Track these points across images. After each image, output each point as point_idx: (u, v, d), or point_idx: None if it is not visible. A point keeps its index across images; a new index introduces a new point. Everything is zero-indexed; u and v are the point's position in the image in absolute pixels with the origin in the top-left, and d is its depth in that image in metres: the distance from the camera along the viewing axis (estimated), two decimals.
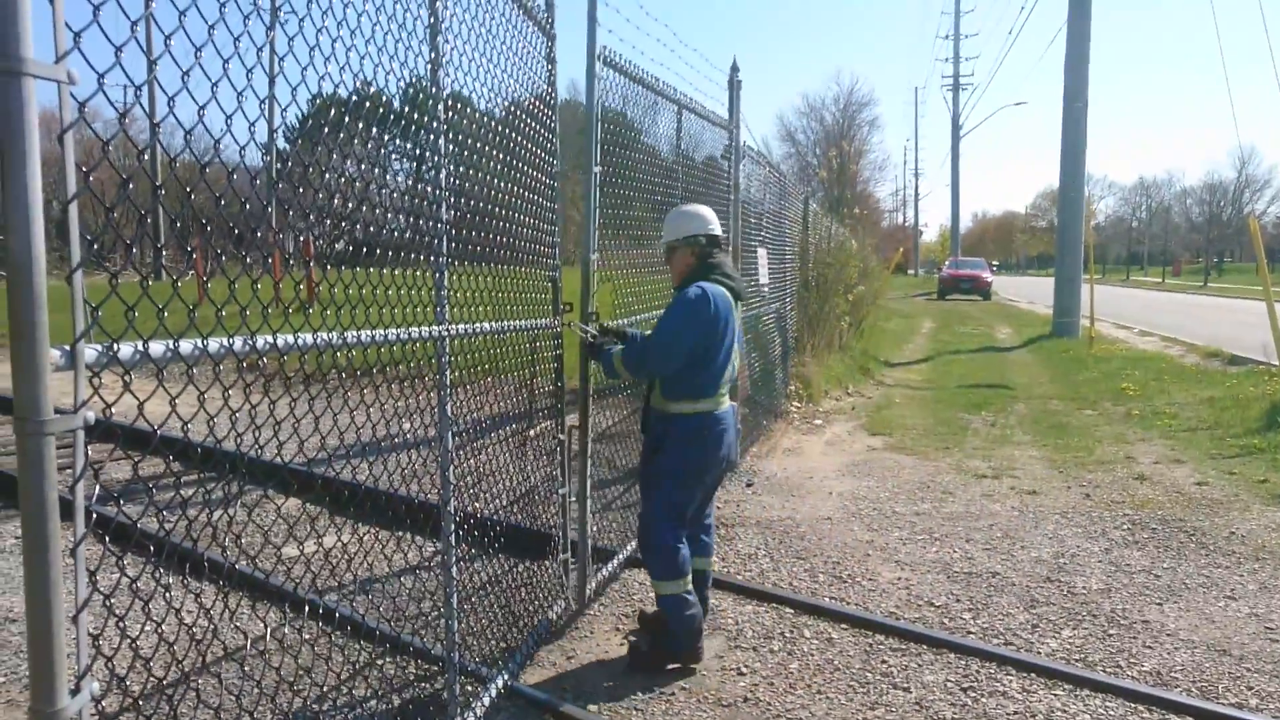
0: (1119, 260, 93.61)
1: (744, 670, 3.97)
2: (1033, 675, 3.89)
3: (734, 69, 7.15)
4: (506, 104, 3.36)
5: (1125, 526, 5.93)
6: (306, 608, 3.48)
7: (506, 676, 3.60)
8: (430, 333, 2.72)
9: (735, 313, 4.06)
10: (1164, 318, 24.93)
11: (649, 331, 4.38)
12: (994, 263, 73.78)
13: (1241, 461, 7.57)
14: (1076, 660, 4.05)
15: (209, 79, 1.97)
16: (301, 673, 3.42)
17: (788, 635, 4.33)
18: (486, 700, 3.38)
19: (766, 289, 8.94)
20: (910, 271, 71.63)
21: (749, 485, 7.09)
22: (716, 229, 4.15)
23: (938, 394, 11.94)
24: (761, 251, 8.57)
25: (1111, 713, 3.58)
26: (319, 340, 2.17)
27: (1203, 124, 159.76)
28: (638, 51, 4.76)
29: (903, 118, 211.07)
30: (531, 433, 4.22)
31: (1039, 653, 4.12)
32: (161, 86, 1.89)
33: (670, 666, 3.94)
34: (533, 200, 3.74)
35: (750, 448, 8.23)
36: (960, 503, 6.56)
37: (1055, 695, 3.72)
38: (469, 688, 3.44)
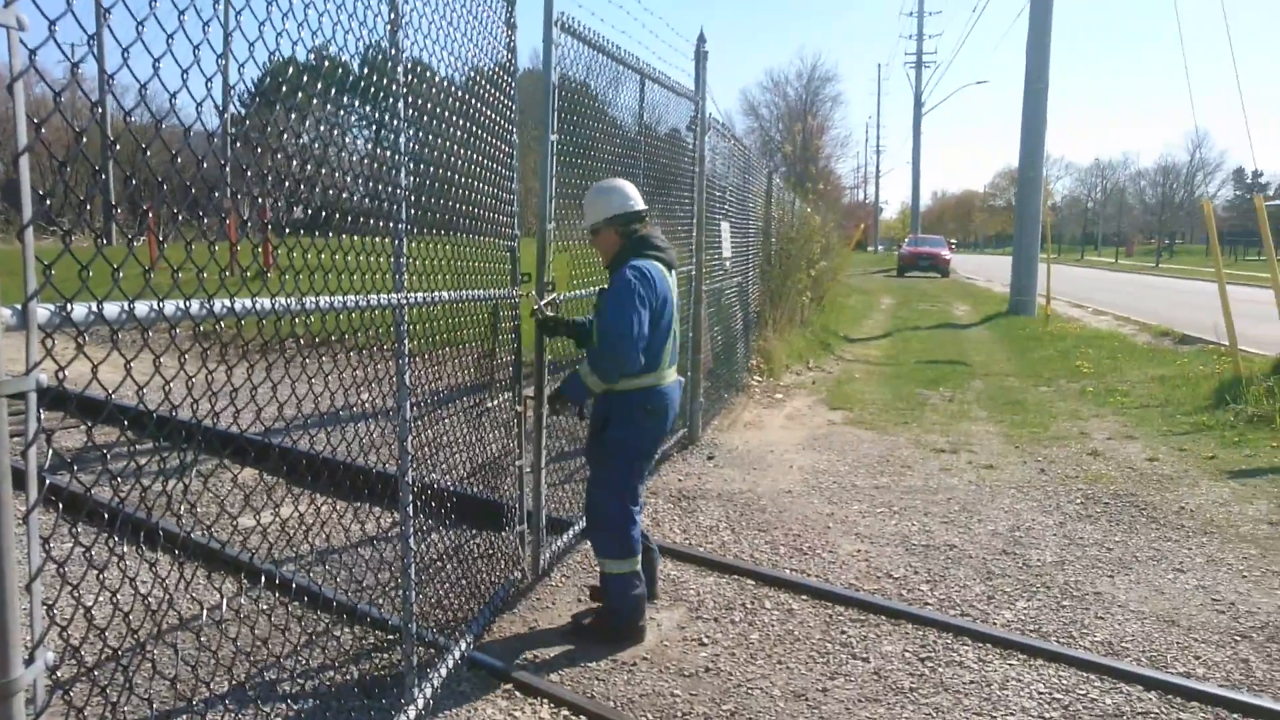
0: (1074, 240, 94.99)
1: (705, 641, 3.99)
2: (988, 645, 3.95)
3: (700, 39, 7.10)
4: (467, 69, 3.29)
5: (1079, 501, 6.03)
6: (263, 578, 3.44)
7: (464, 646, 3.58)
8: (389, 300, 2.67)
9: (670, 283, 4.02)
10: (1118, 297, 25.34)
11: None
12: (953, 241, 74.39)
13: (1191, 438, 7.73)
14: (1031, 631, 4.12)
15: (164, 30, 1.90)
16: (258, 643, 3.37)
17: (749, 606, 4.36)
18: (444, 670, 3.36)
19: (729, 263, 8.94)
20: (871, 248, 72.09)
21: (710, 458, 7.12)
22: (638, 203, 4.05)
23: (897, 369, 12.05)
24: (725, 225, 8.56)
25: (1064, 682, 3.65)
26: (276, 305, 2.12)
27: (1158, 107, 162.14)
28: (598, 19, 4.71)
29: (865, 94, 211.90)
30: (491, 404, 4.18)
31: (995, 623, 4.19)
32: (115, 36, 1.82)
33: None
34: (492, 169, 3.68)
35: (712, 420, 8.25)
36: (919, 477, 6.64)
37: (1010, 665, 3.78)
38: (427, 658, 3.41)
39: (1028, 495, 6.16)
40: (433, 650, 3.47)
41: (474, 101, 3.41)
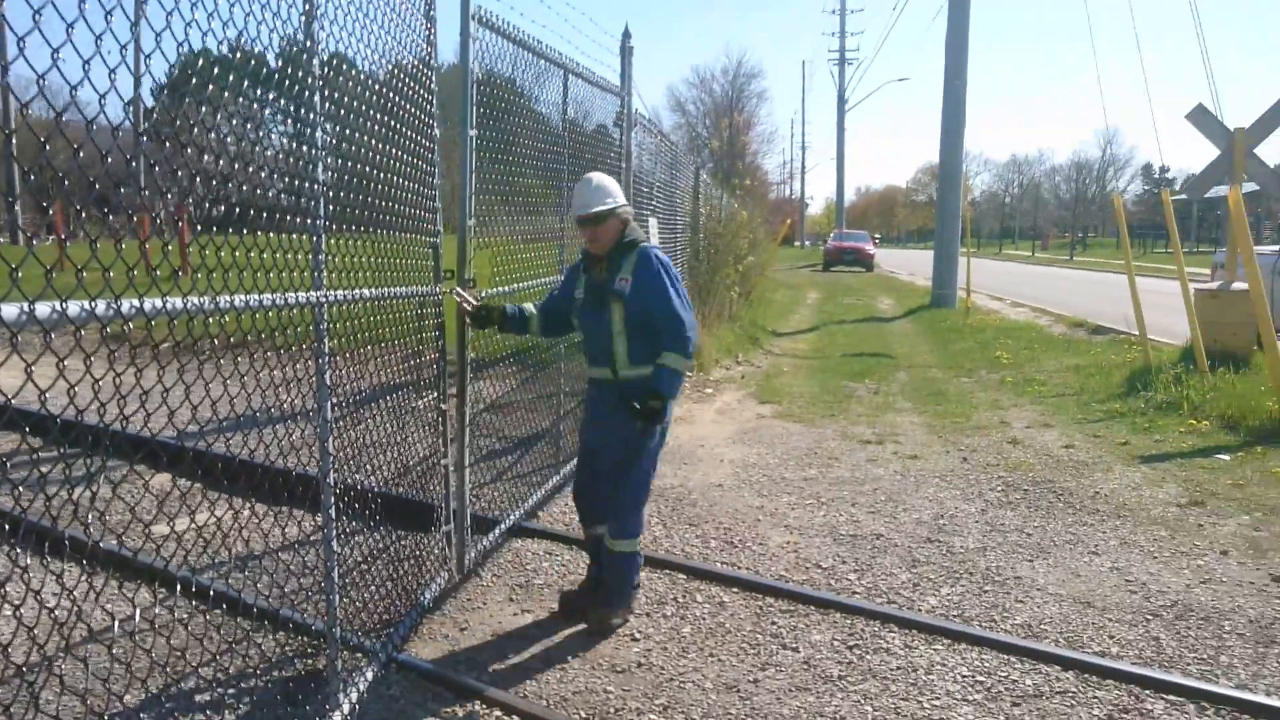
0: (993, 234, 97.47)
1: (638, 636, 3.99)
2: (914, 631, 4.02)
3: (626, 35, 7.08)
4: (385, 62, 3.23)
5: (1000, 488, 6.19)
6: (179, 586, 3.33)
7: (390, 650, 3.52)
8: (307, 298, 2.60)
9: None
10: (1035, 290, 26.10)
11: (528, 305, 4.35)
12: (877, 235, 75.65)
13: (1105, 425, 8.00)
14: (955, 616, 4.21)
15: (64, 20, 1.82)
16: (176, 654, 3.27)
17: (680, 600, 4.37)
18: (370, 674, 3.31)
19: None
20: (797, 243, 73.04)
21: None
22: None
23: (824, 363, 12.22)
24: (653, 221, 8.57)
25: (987, 664, 3.74)
26: (189, 305, 2.04)
27: (1072, 105, 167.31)
28: (518, 13, 4.67)
29: (790, 91, 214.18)
30: (419, 403, 4.12)
31: (920, 610, 4.27)
32: (10, 26, 1.74)
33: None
34: (413, 164, 3.62)
35: None
36: (846, 468, 6.74)
37: (935, 650, 3.86)
38: (353, 662, 3.35)
39: (951, 484, 6.30)
40: (359, 654, 3.40)
41: (393, 96, 3.34)
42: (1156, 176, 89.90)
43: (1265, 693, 3.52)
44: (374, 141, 3.16)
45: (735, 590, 4.49)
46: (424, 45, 3.62)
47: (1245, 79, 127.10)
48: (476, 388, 4.98)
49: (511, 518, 5.15)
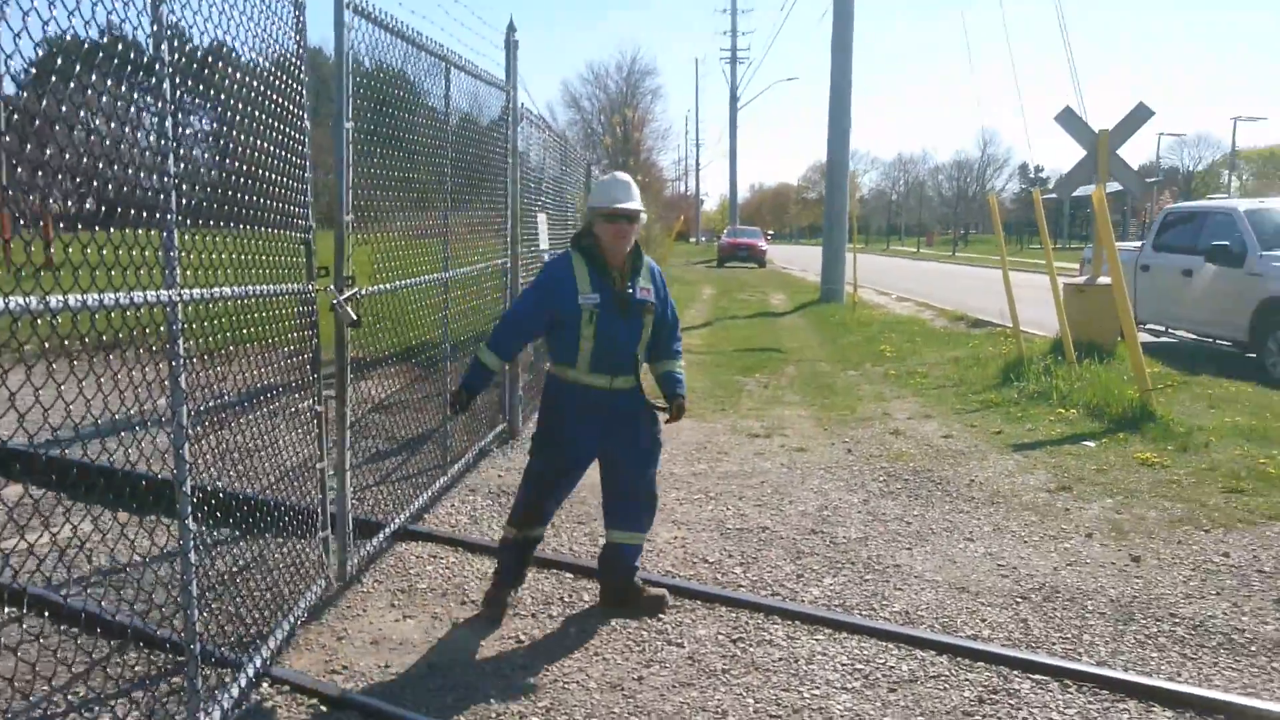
0: (881, 231, 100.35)
1: (522, 638, 3.94)
2: (797, 622, 4.08)
3: (510, 29, 6.99)
4: (248, 50, 3.09)
5: (882, 478, 6.36)
6: (25, 601, 3.13)
7: (259, 664, 3.38)
8: (159, 297, 2.46)
9: None
10: (919, 285, 26.97)
11: (485, 356, 4.23)
12: (770, 232, 76.89)
13: (981, 415, 8.31)
14: (837, 606, 4.29)
15: None
16: (29, 675, 3.07)
17: (567, 600, 4.34)
18: (235, 690, 3.17)
19: (547, 255, 8.88)
20: (693, 240, 73.73)
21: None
22: None
23: (716, 358, 12.35)
24: (541, 217, 8.50)
25: (865, 652, 3.82)
26: (12, 305, 1.91)
27: (954, 105, 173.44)
28: (397, 3, 4.55)
29: (684, 88, 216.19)
30: (294, 405, 3.97)
31: (803, 601, 4.35)
32: None
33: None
34: (281, 156, 3.48)
35: (533, 415, 8.18)
36: (734, 462, 6.81)
37: (816, 640, 3.92)
38: (219, 678, 3.20)
39: (835, 475, 6.44)
40: (226, 669, 3.26)
41: (257, 85, 3.20)
42: (1032, 176, 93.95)
43: (1123, 668, 3.69)
44: (235, 133, 3.02)
45: None
46: (292, 33, 3.48)
47: (1116, 81, 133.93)
48: (361, 388, 4.85)
49: (397, 521, 5.03)
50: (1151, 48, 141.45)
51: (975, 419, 8.15)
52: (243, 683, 3.20)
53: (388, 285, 4.93)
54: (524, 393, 7.72)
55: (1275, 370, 10.17)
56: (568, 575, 4.63)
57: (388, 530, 4.87)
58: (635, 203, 4.02)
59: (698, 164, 76.42)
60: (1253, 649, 3.87)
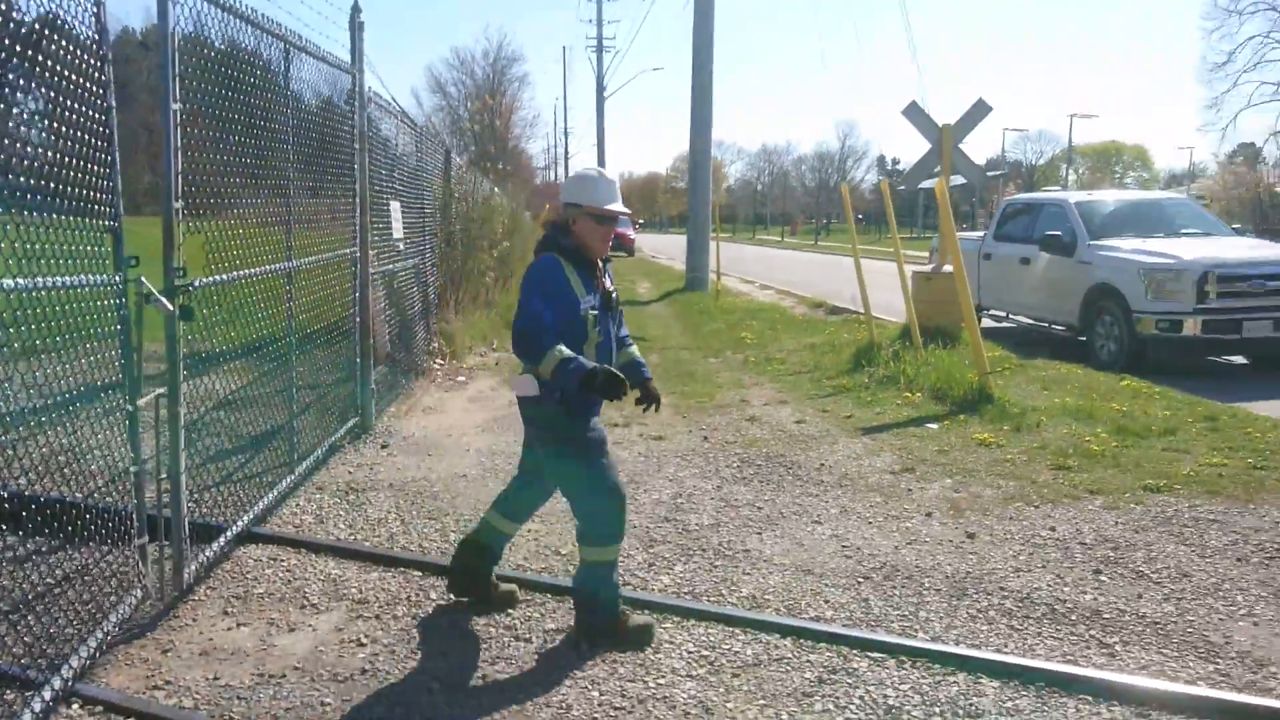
0: (748, 220, 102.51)
1: (365, 640, 3.81)
2: (646, 612, 4.08)
3: (355, 9, 6.75)
4: (39, 24, 2.84)
5: (736, 464, 6.46)
6: None
7: (61, 682, 3.15)
8: None
9: None
10: (782, 273, 27.65)
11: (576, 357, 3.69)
12: (640, 220, 77.10)
13: (833, 400, 8.55)
14: (686, 593, 4.33)
15: None
16: None
17: (415, 599, 4.23)
18: (29, 714, 2.94)
19: (402, 244, 8.65)
20: None
21: (384, 447, 6.86)
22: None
23: None
24: (395, 205, 8.26)
25: (712, 638, 3.86)
26: None
27: (815, 98, 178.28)
28: None
29: (552, 76, 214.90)
30: (105, 403, 3.72)
31: (653, 589, 4.36)
32: None
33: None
34: (78, 138, 3.22)
35: (389, 408, 7.97)
36: None
37: (664, 628, 3.93)
38: (21, 699, 2.97)
39: (691, 463, 6.50)
40: (26, 688, 3.02)
41: (46, 61, 2.95)
42: (889, 168, 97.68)
43: (955, 642, 3.85)
44: (18, 111, 2.78)
45: None
46: (89, 5, 3.22)
47: (965, 78, 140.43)
48: (201, 384, 4.59)
49: (239, 524, 4.79)
50: (997, 46, 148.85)
51: (828, 404, 8.38)
52: (37, 707, 2.97)
53: (225, 276, 4.67)
54: (377, 386, 7.51)
55: (1102, 353, 10.85)
56: (416, 574, 4.51)
57: (229, 534, 4.63)
58: (622, 204, 3.89)
59: (567, 152, 75.71)
60: (1073, 618, 4.09)
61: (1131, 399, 8.19)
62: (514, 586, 4.23)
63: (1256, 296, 10.22)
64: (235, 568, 4.52)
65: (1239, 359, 11.26)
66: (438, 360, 10.40)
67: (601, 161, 51.59)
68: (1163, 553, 4.80)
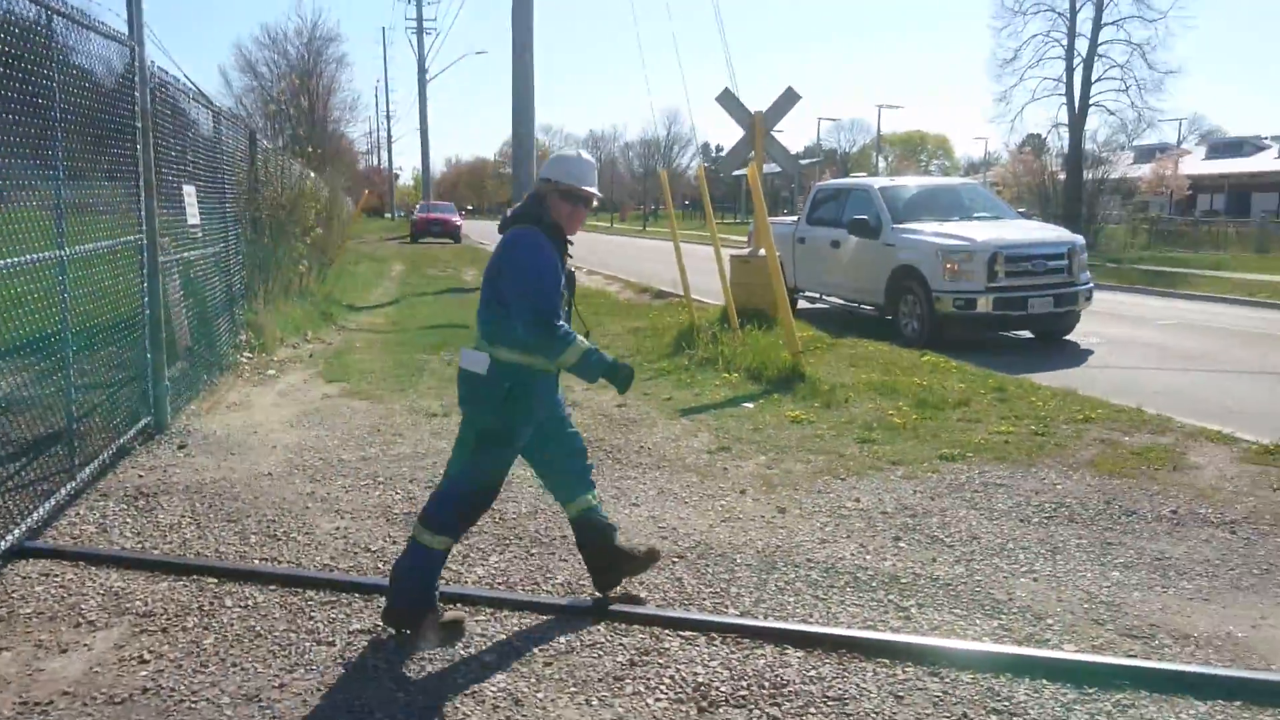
0: None
1: (148, 657, 3.53)
2: (458, 605, 3.97)
3: None
4: None
5: None
6: None
7: None
8: None
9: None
10: (610, 258, 27.81)
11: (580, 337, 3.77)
12: (468, 207, 75.78)
13: (654, 383, 8.64)
14: (500, 584, 4.25)
15: None
16: None
17: (206, 609, 3.95)
18: None
19: (199, 230, 8.12)
20: (388, 215, 71.36)
21: (181, 447, 6.41)
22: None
23: (401, 336, 11.96)
24: (189, 189, 7.74)
25: (526, 627, 3.80)
26: None
27: (642, 83, 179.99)
28: None
29: (373, 58, 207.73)
30: None
31: (466, 582, 4.26)
32: None
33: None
34: None
35: (188, 406, 7.47)
36: (409, 443, 6.59)
37: (476, 621, 3.84)
38: None
39: None
40: None
41: None
42: (714, 155, 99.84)
43: (764, 616, 3.94)
44: None
45: (273, 588, 4.16)
46: None
47: (780, 69, 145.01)
48: None
49: (8, 539, 4.35)
50: (813, 37, 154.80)
51: (649, 387, 8.46)
52: None
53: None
54: (174, 383, 7.01)
55: (906, 330, 11.46)
56: (210, 581, 4.22)
57: None
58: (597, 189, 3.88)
59: (389, 137, 73.80)
60: (873, 584, 4.27)
61: (931, 373, 8.68)
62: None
63: (1039, 275, 11.06)
64: (0, 588, 4.11)
65: (1025, 333, 12.16)
66: (245, 354, 9.84)
67: (425, 146, 50.44)
68: (955, 517, 5.10)
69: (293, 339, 11.18)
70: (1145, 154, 46.11)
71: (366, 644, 3.65)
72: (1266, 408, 8.24)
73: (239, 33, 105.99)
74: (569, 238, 3.84)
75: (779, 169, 12.61)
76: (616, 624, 3.84)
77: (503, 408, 3.61)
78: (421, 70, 49.27)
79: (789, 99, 11.25)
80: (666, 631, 3.78)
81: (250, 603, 4.00)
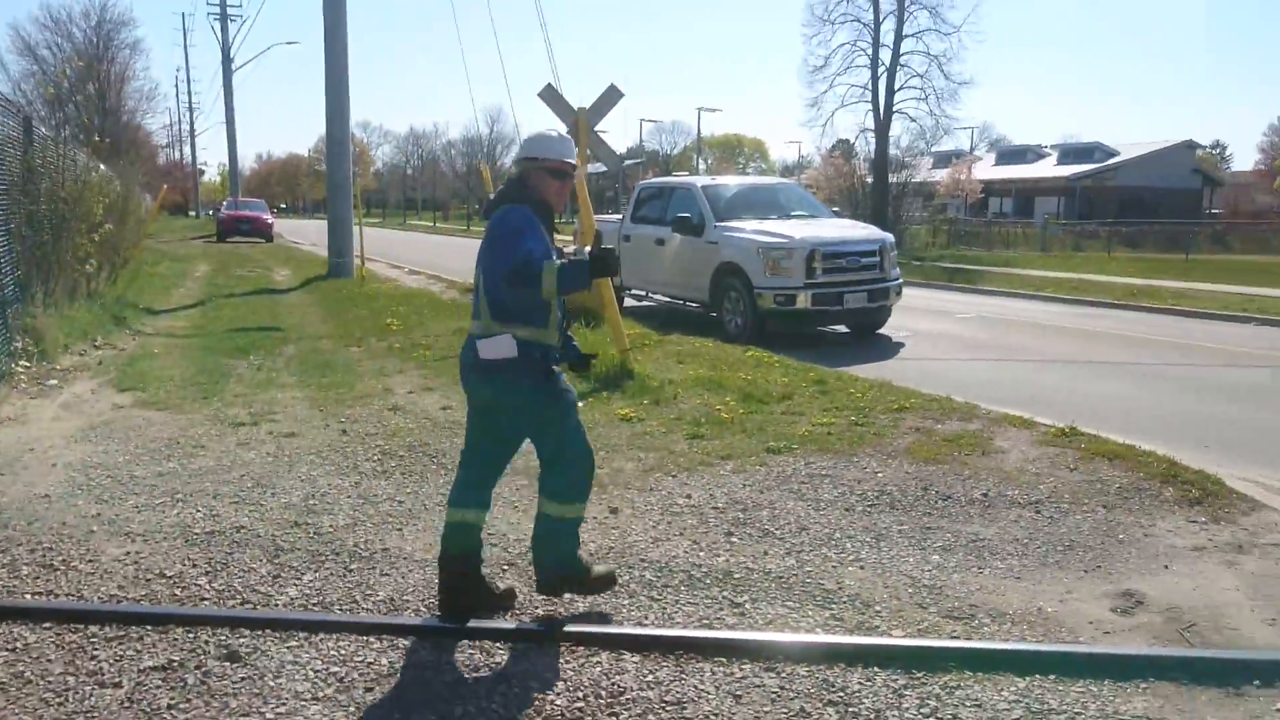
0: (399, 205, 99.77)
1: None
2: (267, 631, 3.64)
3: None
4: None
5: (376, 457, 6.07)
6: None
7: None
8: None
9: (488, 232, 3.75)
10: (433, 257, 27.12)
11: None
12: (281, 205, 72.14)
13: None
14: (315, 604, 3.93)
15: None
16: None
17: None
18: None
19: None
20: (192, 213, 67.11)
21: None
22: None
23: (205, 340, 11.13)
24: None
25: (343, 651, 3.51)
26: None
27: (464, 81, 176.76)
28: None
29: (173, 45, 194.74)
30: None
31: (278, 604, 3.92)
32: None
33: None
34: None
35: None
36: (212, 456, 6.08)
37: (289, 647, 3.53)
38: None
39: (327, 459, 6.02)
40: None
41: None
42: None
43: (599, 621, 3.82)
44: None
45: (48, 625, 3.68)
46: None
47: (605, 73, 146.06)
48: None
49: None
50: (635, 40, 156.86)
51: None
52: None
53: None
54: None
55: (731, 327, 11.66)
56: None
57: None
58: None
59: (192, 129, 68.97)
60: (708, 582, 4.23)
61: (755, 368, 8.83)
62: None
63: (854, 271, 11.49)
64: None
65: (841, 328, 12.63)
66: (21, 363, 8.87)
67: (231, 140, 47.74)
68: (784, 509, 5.14)
69: (79, 345, 10.19)
70: (942, 159, 49.34)
71: (160, 682, 3.27)
72: (1058, 393, 8.86)
73: (15, 13, 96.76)
74: (559, 211, 3.97)
75: (603, 168, 12.55)
76: (444, 641, 3.61)
77: (545, 381, 3.74)
78: (226, 59, 46.41)
79: (612, 96, 11.18)
80: (499, 645, 3.60)
81: (19, 645, 3.53)
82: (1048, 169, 58.64)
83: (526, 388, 3.70)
